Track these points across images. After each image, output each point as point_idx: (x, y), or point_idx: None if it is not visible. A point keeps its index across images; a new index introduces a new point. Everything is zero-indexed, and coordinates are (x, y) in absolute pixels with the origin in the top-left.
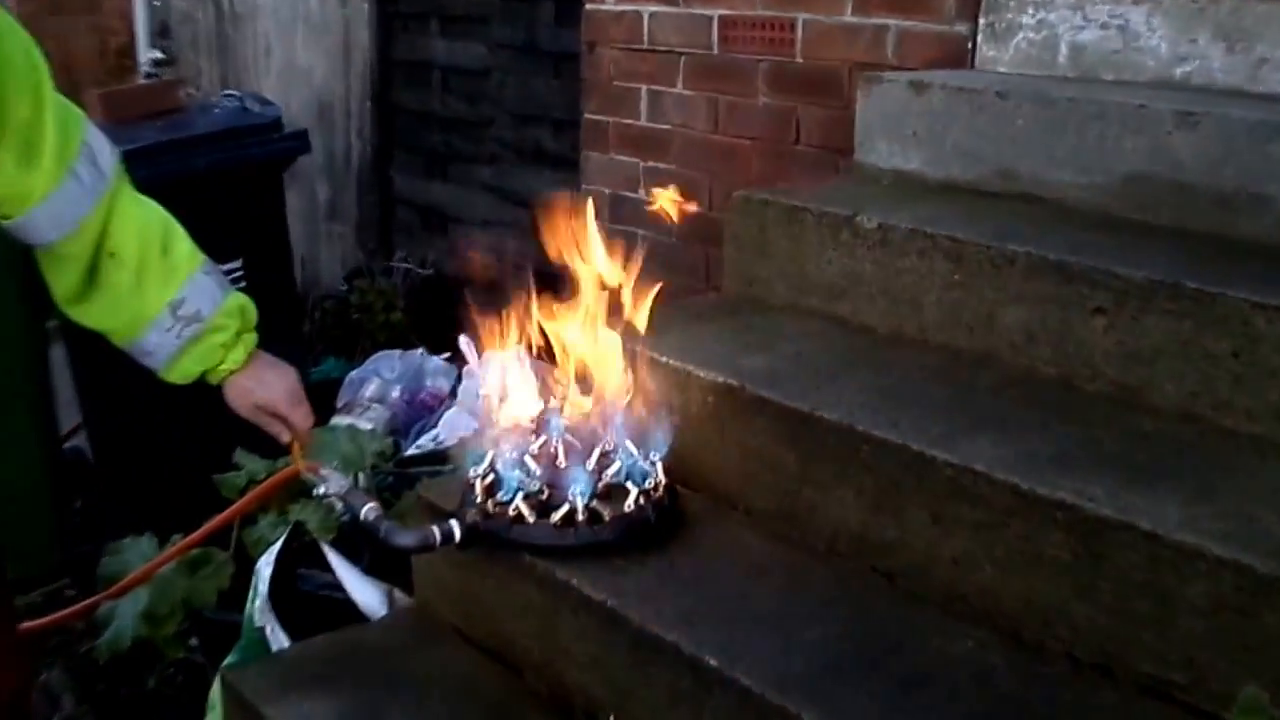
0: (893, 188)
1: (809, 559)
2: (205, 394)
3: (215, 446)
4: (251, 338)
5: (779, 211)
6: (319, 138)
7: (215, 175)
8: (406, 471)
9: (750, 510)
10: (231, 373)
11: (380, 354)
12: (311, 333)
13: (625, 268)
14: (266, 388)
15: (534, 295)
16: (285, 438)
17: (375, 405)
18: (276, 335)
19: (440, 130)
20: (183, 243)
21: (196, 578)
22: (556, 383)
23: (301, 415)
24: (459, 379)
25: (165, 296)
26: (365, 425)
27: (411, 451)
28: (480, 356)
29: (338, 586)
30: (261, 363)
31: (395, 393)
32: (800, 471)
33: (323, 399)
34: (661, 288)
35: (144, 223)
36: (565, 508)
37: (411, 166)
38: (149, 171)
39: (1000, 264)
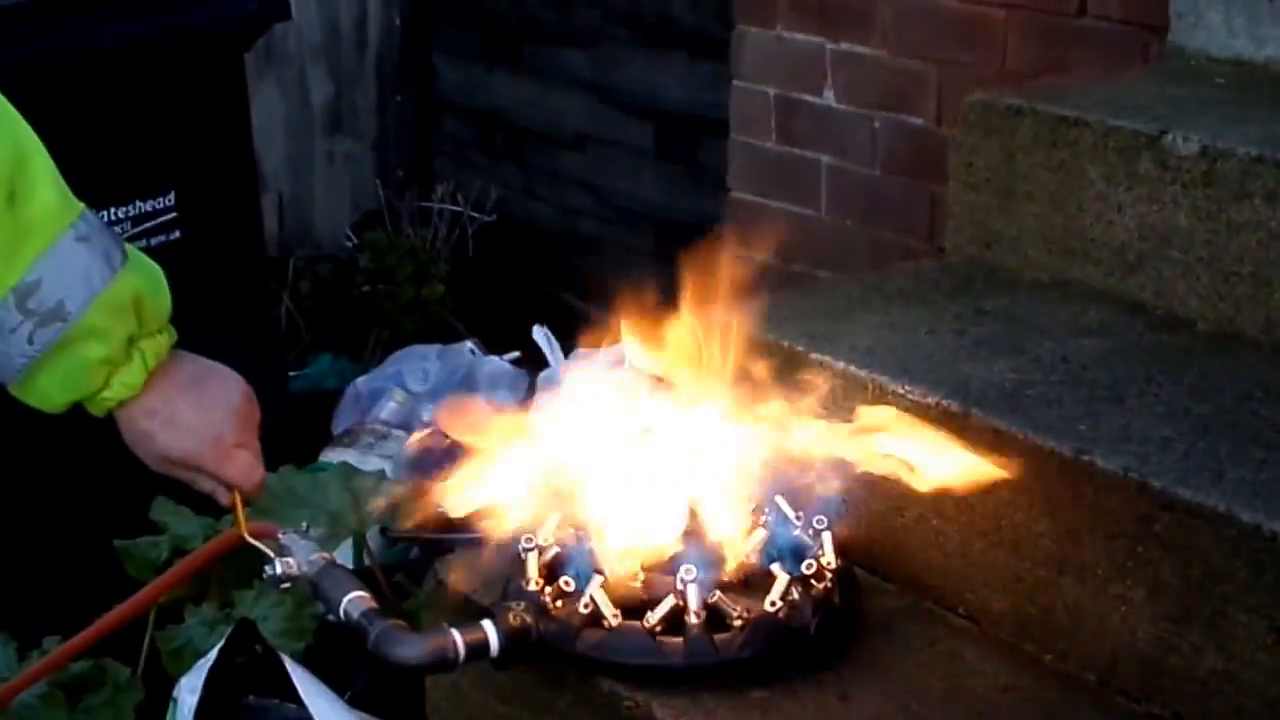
0: (1230, 88)
1: (1072, 697)
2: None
3: (118, 493)
4: (157, 345)
5: (1038, 125)
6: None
7: (132, 56)
8: (439, 538)
9: (977, 614)
10: (123, 404)
11: (406, 350)
12: (294, 316)
13: None
14: (178, 431)
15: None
16: (224, 497)
17: (395, 432)
18: (230, 321)
19: None
20: (46, 188)
21: (80, 710)
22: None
23: (240, 469)
24: (532, 391)
25: (6, 279)
26: (375, 464)
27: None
28: (567, 356)
29: None
30: (176, 382)
31: (428, 413)
32: (1059, 553)
33: (312, 421)
34: None
35: None
36: (669, 603)
37: (465, 49)
38: (21, 48)
39: None
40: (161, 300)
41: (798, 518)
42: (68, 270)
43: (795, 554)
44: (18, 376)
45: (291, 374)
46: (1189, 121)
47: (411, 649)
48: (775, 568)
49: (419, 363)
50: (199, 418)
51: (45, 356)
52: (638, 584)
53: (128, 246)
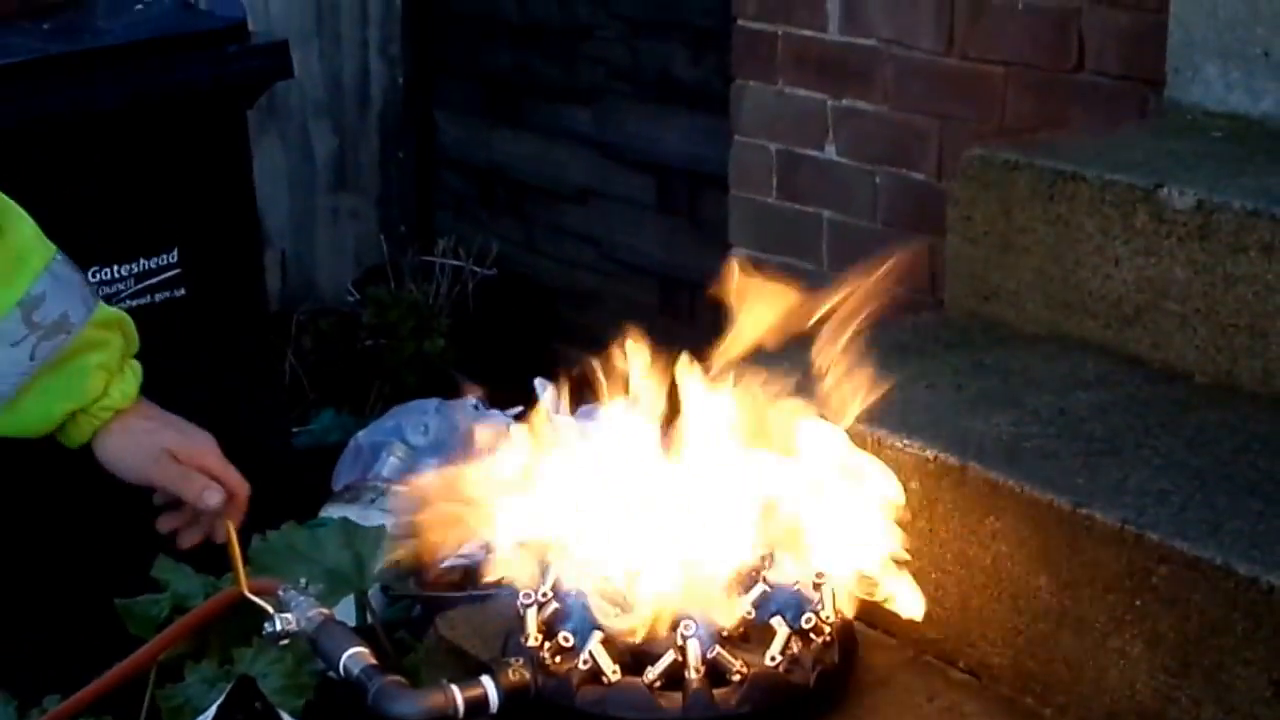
0: (1226, 142)
1: None
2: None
3: (118, 552)
4: (138, 370)
5: (1036, 180)
6: (316, 54)
7: (134, 113)
8: (440, 597)
9: (976, 668)
10: (119, 413)
11: (406, 405)
12: (297, 372)
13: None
14: (182, 430)
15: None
16: (215, 498)
17: (396, 489)
18: (233, 377)
19: (512, 45)
20: (24, 223)
21: None
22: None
23: (237, 478)
24: None
25: (11, 294)
26: (376, 519)
27: (451, 563)
28: (571, 409)
29: None
30: (155, 408)
31: (429, 468)
32: (1058, 606)
33: (316, 477)
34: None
35: None
36: (668, 658)
37: (467, 104)
38: (24, 106)
39: None
40: (134, 329)
41: (800, 569)
42: (66, 286)
43: (795, 608)
44: (8, 395)
45: (295, 430)
46: (1185, 175)
47: (410, 705)
48: (775, 621)
49: (419, 417)
50: (192, 428)
51: (43, 370)
52: (637, 639)
53: None
